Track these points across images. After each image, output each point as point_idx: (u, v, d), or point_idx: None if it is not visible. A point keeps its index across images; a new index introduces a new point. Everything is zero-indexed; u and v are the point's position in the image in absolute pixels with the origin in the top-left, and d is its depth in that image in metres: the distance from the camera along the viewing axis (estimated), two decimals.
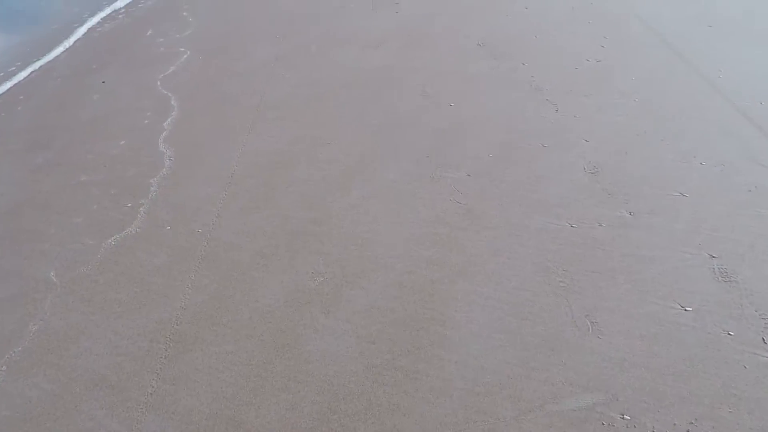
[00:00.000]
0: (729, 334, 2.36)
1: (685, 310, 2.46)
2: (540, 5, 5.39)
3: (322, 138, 3.95)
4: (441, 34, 5.17)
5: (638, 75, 4.04)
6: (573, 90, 3.99)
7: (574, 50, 4.50)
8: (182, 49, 5.76)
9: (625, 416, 2.09)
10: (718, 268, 2.63)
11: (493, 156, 3.48)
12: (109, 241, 3.32)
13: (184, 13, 6.75)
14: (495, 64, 4.50)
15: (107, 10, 7.16)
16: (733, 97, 3.75)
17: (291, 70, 5.00)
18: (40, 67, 5.79)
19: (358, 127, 4.01)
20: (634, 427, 2.06)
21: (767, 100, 3.70)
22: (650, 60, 4.22)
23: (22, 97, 5.21)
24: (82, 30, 6.61)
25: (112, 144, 4.31)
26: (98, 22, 6.84)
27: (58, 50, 6.10)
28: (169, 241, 3.25)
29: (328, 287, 2.79)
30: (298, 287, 2.81)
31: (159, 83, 5.12)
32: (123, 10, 7.18)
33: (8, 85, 5.38)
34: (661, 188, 3.06)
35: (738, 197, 3.00)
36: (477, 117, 3.88)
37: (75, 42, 6.34)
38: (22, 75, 5.56)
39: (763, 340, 2.30)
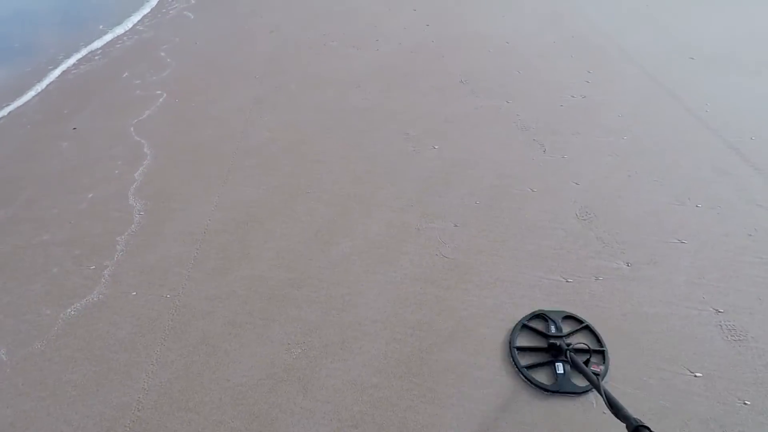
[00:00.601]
0: (745, 403, 2.15)
1: (695, 376, 2.26)
2: (521, 39, 5.34)
3: (300, 187, 3.75)
4: (422, 72, 5.07)
5: (625, 111, 3.94)
6: (559, 129, 3.86)
7: (558, 86, 4.41)
8: (158, 92, 5.60)
9: None
10: (726, 325, 2.45)
11: (481, 203, 3.31)
12: (68, 310, 3.05)
13: (162, 53, 6.63)
14: (479, 102, 4.38)
15: (83, 51, 7.01)
16: (722, 132, 3.65)
17: (269, 113, 4.84)
18: (10, 113, 5.57)
19: (339, 174, 3.83)
20: None
21: (758, 135, 3.60)
22: (636, 95, 4.14)
23: None
24: (56, 72, 6.43)
25: (79, 197, 4.07)
26: (74, 64, 6.67)
27: (30, 94, 5.90)
28: (134, 309, 2.99)
29: (306, 360, 2.55)
30: (273, 362, 2.57)
31: (132, 129, 4.93)
32: (100, 51, 7.03)
33: None
34: (658, 235, 2.89)
35: (738, 242, 2.84)
36: (462, 160, 3.72)
37: (48, 85, 6.15)
38: None
39: None
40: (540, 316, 2.51)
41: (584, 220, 3.04)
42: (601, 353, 2.34)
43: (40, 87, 6.09)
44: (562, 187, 3.31)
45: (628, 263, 2.75)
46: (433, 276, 2.87)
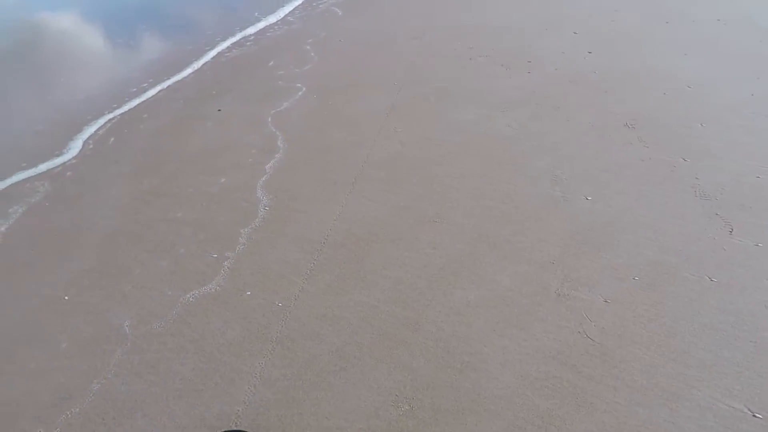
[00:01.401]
0: None
1: None
2: (707, 85, 4.53)
3: (428, 213, 3.49)
4: (580, 106, 4.52)
5: None
6: (754, 207, 3.13)
7: (754, 152, 3.62)
8: (298, 85, 5.72)
9: None
10: None
11: (640, 280, 2.76)
12: (188, 296, 3.12)
13: (307, 47, 6.81)
14: (647, 153, 3.76)
15: (237, 36, 7.48)
16: None
17: (404, 124, 4.66)
18: (168, 86, 6.08)
19: (472, 206, 3.50)
20: None
21: None
22: None
23: (145, 116, 5.44)
24: (211, 53, 6.92)
25: (213, 180, 4.23)
26: (227, 47, 7.14)
27: (187, 71, 6.40)
28: (247, 311, 2.96)
29: (413, 422, 2.27)
30: (376, 412, 2.33)
31: (270, 119, 5.06)
32: (252, 38, 7.45)
33: (136, 101, 5.68)
34: None
35: None
36: (621, 221, 3.18)
37: (203, 65, 6.63)
38: (151, 93, 5.86)
39: None
40: None
41: None
42: None
43: (196, 65, 6.60)
44: (755, 285, 2.64)
45: None
46: (572, 359, 2.43)
